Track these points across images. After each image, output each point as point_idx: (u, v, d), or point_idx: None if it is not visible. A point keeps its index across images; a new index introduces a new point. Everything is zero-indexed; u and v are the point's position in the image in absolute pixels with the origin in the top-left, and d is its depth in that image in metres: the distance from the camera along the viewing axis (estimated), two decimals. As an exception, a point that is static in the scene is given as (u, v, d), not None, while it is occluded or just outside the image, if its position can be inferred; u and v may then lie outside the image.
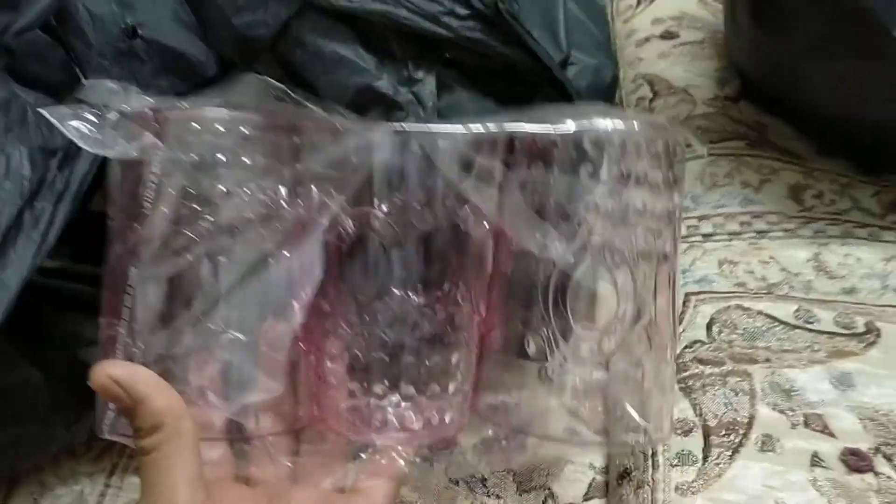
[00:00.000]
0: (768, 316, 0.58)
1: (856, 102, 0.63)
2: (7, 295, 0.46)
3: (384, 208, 0.43)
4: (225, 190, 0.41)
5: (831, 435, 0.51)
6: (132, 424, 0.37)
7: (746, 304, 0.59)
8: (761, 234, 0.65)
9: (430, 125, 0.43)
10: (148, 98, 0.42)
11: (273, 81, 0.45)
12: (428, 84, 0.58)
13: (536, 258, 0.43)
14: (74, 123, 0.40)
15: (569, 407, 0.44)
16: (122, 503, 0.61)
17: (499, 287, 0.46)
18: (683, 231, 0.66)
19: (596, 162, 0.43)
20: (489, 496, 0.56)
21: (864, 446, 0.50)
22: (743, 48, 0.73)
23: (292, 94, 0.45)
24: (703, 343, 0.57)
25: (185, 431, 0.37)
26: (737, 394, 0.53)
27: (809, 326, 0.57)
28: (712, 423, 0.52)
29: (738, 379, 0.54)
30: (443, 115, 0.59)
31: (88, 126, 0.40)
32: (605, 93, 0.66)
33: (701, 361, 0.56)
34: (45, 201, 0.49)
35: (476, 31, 0.57)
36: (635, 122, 0.44)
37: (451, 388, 0.44)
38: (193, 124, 0.41)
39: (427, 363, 0.43)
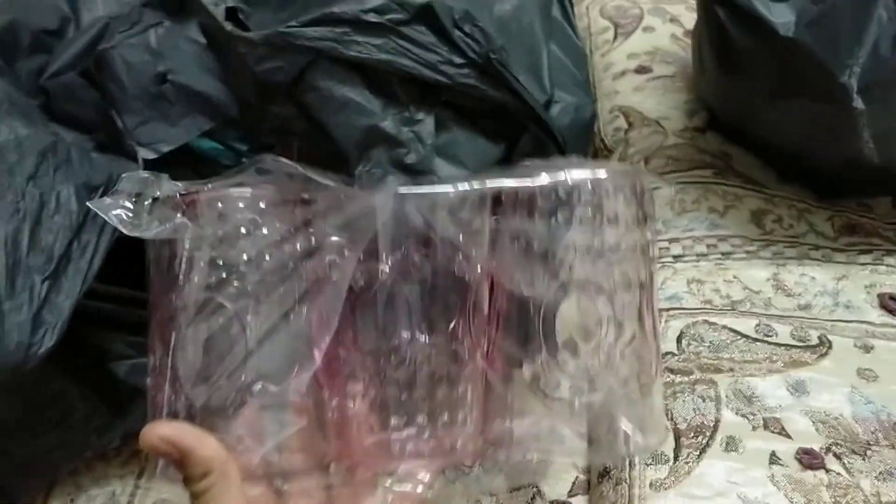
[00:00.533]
0: (732, 330, 0.62)
1: (809, 138, 0.68)
2: (62, 318, 0.50)
3: (389, 262, 0.46)
4: (247, 258, 0.45)
5: (787, 436, 0.55)
6: (183, 473, 0.41)
7: (712, 319, 0.63)
8: (726, 255, 0.69)
9: (423, 187, 0.47)
10: (177, 184, 0.46)
11: (285, 160, 0.49)
12: (427, 124, 0.62)
13: (527, 295, 0.46)
14: (116, 212, 0.43)
15: (568, 426, 0.47)
16: (151, 502, 0.64)
17: (497, 323, 0.48)
18: (655, 252, 0.71)
19: (572, 208, 0.46)
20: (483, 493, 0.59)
21: (816, 446, 0.54)
22: (709, 87, 0.78)
23: (301, 169, 0.48)
24: (673, 354, 0.61)
25: (231, 473, 0.41)
26: (704, 400, 0.57)
27: (769, 339, 0.61)
28: (682, 426, 0.56)
29: (705, 387, 0.58)
30: (440, 152, 0.62)
31: (127, 213, 0.44)
32: (585, 127, 0.70)
33: (672, 371, 0.60)
34: (90, 233, 0.53)
35: (470, 78, 0.62)
36: (604, 171, 0.47)
37: (460, 416, 0.46)
38: (217, 203, 0.45)
39: (437, 396, 0.46)
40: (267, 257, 0.45)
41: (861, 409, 0.56)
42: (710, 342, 0.62)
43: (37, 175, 0.53)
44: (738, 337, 0.62)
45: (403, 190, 0.46)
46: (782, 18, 0.62)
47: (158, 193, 0.45)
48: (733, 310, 0.64)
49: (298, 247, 0.46)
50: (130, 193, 0.44)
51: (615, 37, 0.96)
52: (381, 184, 0.49)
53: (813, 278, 0.66)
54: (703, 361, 0.60)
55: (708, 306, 0.65)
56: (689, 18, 0.91)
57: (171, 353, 0.44)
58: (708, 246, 0.71)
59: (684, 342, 0.62)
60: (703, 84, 0.80)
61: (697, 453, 0.55)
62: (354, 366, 0.46)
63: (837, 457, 0.54)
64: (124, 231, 0.44)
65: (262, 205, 0.46)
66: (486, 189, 0.47)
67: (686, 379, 0.59)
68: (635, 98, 0.87)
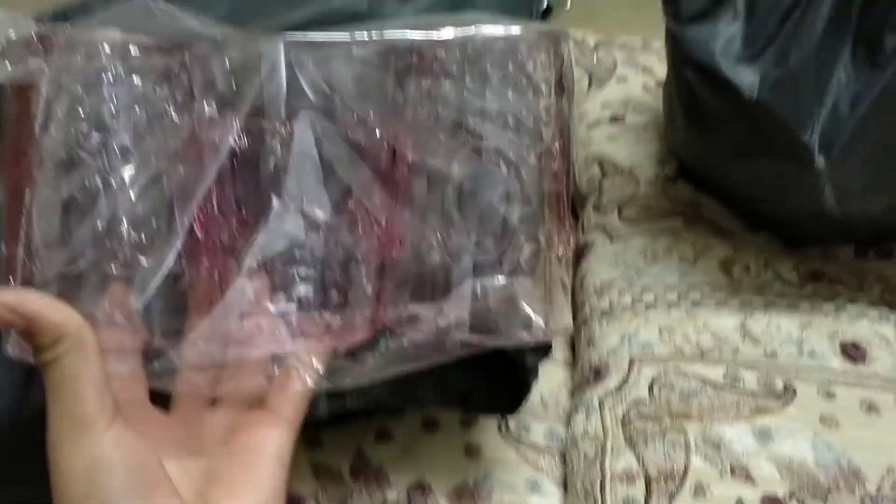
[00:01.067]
0: (701, 378, 0.64)
1: (774, 192, 0.71)
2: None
3: (277, 121, 0.41)
4: (113, 109, 0.41)
5: (753, 483, 0.57)
6: (32, 344, 0.36)
7: (682, 366, 0.65)
8: (696, 304, 0.72)
9: (315, 34, 0.42)
10: (36, 25, 0.41)
11: (164, 3, 0.44)
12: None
13: (433, 168, 0.43)
14: None
15: (474, 313, 0.43)
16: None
17: (400, 199, 0.44)
18: (628, 301, 0.73)
19: (483, 68, 0.42)
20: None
21: (780, 492, 0.56)
22: (679, 141, 0.81)
23: (182, 13, 0.44)
24: (645, 402, 0.63)
25: (87, 340, 0.36)
26: (674, 447, 0.59)
27: (736, 387, 0.63)
28: (653, 472, 0.58)
29: (676, 433, 0.60)
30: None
31: None
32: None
33: (644, 418, 0.62)
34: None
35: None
36: (519, 28, 0.43)
37: (351, 296, 0.43)
38: (80, 46, 0.41)
39: (325, 273, 0.42)
40: (136, 109, 0.41)
41: (823, 455, 0.58)
42: (681, 390, 0.64)
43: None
44: (707, 384, 0.64)
45: (295, 37, 0.42)
46: (747, 80, 0.65)
47: (12, 34, 0.41)
48: (703, 357, 0.67)
49: (173, 99, 0.42)
50: None
51: (589, 86, 0.99)
52: (270, 32, 0.43)
53: (778, 326, 0.69)
54: (674, 408, 0.62)
55: (678, 354, 0.67)
56: (661, 69, 0.94)
57: (25, 214, 0.40)
58: (679, 294, 0.73)
59: (656, 389, 0.64)
60: (674, 137, 0.83)
61: (667, 499, 0.56)
62: (236, 238, 0.42)
63: (800, 502, 0.55)
64: None
65: (133, 49, 0.42)
66: (388, 41, 0.43)
67: (657, 426, 0.61)
68: (609, 147, 0.90)
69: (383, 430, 0.66)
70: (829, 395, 0.63)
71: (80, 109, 0.41)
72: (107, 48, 0.41)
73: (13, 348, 0.40)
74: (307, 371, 0.43)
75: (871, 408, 0.62)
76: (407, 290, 0.44)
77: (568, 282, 0.46)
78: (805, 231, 0.76)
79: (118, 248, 0.41)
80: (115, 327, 0.40)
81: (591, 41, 1.08)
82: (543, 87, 0.44)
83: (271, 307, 0.42)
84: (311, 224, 0.42)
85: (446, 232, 0.43)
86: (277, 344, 0.42)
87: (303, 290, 0.42)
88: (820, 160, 0.62)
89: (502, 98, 0.43)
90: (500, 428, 0.66)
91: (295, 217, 0.42)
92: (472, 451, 0.65)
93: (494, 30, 0.43)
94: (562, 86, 0.45)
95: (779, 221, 0.76)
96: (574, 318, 0.78)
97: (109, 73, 0.41)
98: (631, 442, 0.61)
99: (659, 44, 0.93)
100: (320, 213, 0.42)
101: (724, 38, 0.66)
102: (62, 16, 0.56)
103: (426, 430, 0.66)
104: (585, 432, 0.63)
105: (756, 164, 0.69)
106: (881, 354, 0.65)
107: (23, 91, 0.41)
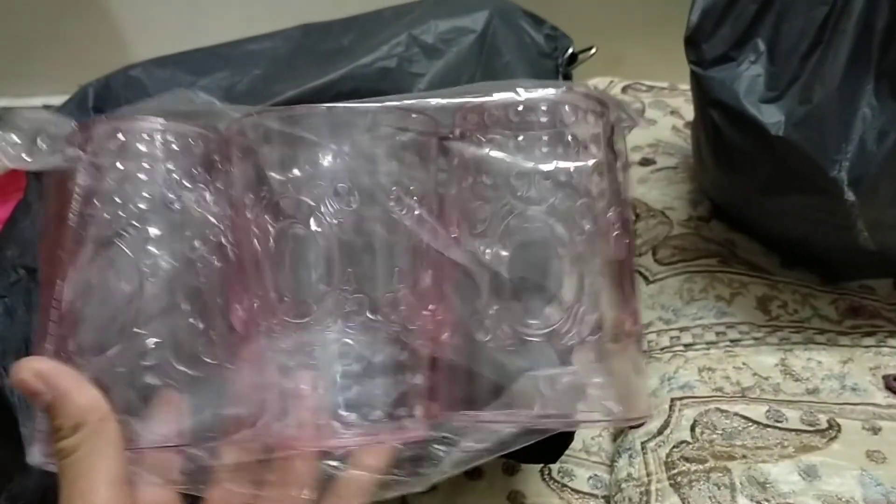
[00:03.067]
0: (743, 417, 0.64)
1: (807, 227, 0.71)
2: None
3: (315, 209, 0.39)
4: (149, 197, 0.40)
5: None
6: (53, 423, 0.35)
7: (724, 406, 0.65)
8: (734, 342, 0.71)
9: (353, 104, 0.40)
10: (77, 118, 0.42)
11: (203, 95, 0.45)
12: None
13: (481, 243, 0.40)
14: None
15: (543, 401, 0.40)
16: None
17: (448, 281, 0.42)
18: (666, 342, 0.73)
19: (526, 131, 0.40)
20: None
21: None
22: (709, 180, 0.81)
23: (221, 105, 0.44)
24: (688, 443, 0.62)
25: (108, 432, 0.35)
26: (719, 488, 0.59)
27: (779, 425, 0.63)
28: None
29: (720, 474, 0.59)
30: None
31: (12, 147, 0.39)
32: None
33: (687, 460, 0.61)
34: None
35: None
36: (563, 89, 0.41)
37: (403, 391, 0.40)
38: (118, 135, 0.40)
39: (375, 367, 0.39)
40: (172, 197, 0.40)
41: (871, 491, 0.57)
42: (723, 430, 0.63)
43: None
44: (750, 423, 0.63)
45: (334, 109, 0.40)
46: (772, 119, 0.65)
47: (55, 129, 0.40)
48: (744, 396, 0.66)
49: (211, 188, 0.42)
50: (21, 128, 0.40)
51: (619, 130, 0.99)
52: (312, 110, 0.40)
53: (819, 362, 0.68)
54: (717, 449, 0.62)
55: (719, 394, 0.67)
56: (689, 110, 0.94)
57: (54, 303, 0.39)
58: (717, 334, 0.73)
59: (698, 430, 0.64)
60: (704, 177, 0.83)
61: (715, 541, 0.56)
62: (279, 333, 0.40)
63: (851, 539, 0.54)
64: (7, 163, 0.39)
65: (170, 138, 0.41)
66: (427, 108, 0.41)
67: (701, 467, 0.61)
68: (641, 189, 0.90)
69: (427, 480, 0.67)
70: (875, 430, 0.62)
71: (116, 197, 0.40)
72: (145, 136, 0.41)
73: (36, 455, 0.39)
74: (368, 474, 0.40)
75: (917, 441, 0.61)
76: (462, 382, 0.41)
77: (643, 362, 0.43)
78: (841, 266, 0.75)
79: (151, 348, 0.39)
80: (160, 439, 0.39)
81: (619, 85, 1.09)
82: (593, 148, 0.41)
83: (319, 404, 0.39)
84: (358, 317, 0.39)
85: (500, 313, 0.40)
86: (327, 441, 0.39)
87: (351, 385, 0.39)
88: (849, 194, 0.62)
89: (550, 160, 0.40)
90: (543, 474, 0.66)
91: (340, 310, 0.39)
92: (515, 499, 0.65)
93: (537, 92, 0.41)
94: (613, 150, 0.43)
95: (814, 257, 0.76)
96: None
97: (146, 162, 0.41)
98: (675, 484, 0.60)
99: (685, 85, 0.93)
100: (366, 305, 0.39)
101: (748, 78, 0.67)
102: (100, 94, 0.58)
103: (469, 479, 0.67)
104: (629, 476, 0.63)
105: (787, 201, 0.69)
106: (925, 387, 0.65)
107: (62, 183, 0.41)
